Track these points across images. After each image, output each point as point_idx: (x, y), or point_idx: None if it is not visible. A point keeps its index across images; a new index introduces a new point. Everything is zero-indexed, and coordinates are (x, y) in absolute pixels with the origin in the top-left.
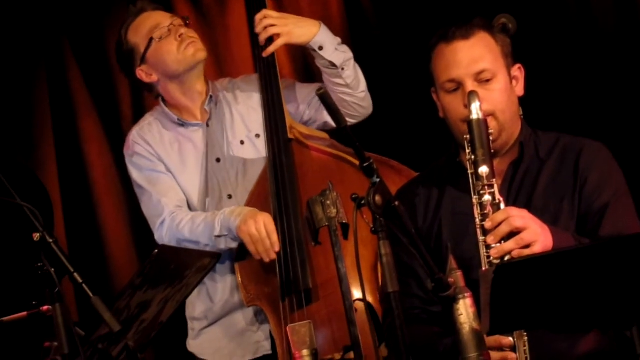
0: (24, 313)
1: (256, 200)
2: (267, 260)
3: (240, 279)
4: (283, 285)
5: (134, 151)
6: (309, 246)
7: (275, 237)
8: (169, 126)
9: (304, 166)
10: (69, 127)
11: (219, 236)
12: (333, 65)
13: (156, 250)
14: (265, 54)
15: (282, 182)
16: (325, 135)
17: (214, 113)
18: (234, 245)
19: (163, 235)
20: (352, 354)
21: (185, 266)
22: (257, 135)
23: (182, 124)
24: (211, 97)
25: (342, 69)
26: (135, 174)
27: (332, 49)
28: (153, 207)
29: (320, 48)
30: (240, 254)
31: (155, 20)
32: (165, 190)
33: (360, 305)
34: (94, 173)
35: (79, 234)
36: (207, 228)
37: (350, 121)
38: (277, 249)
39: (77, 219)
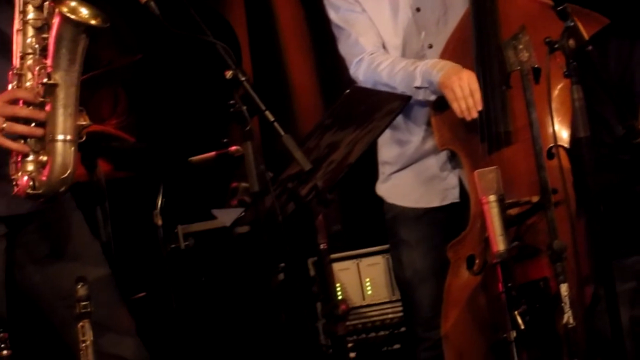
0: (213, 153)
1: (455, 45)
2: (468, 118)
3: (434, 122)
4: (483, 127)
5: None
6: (510, 90)
7: (478, 95)
8: None
9: (507, 11)
10: None
11: (418, 87)
12: None
13: (347, 91)
14: None
15: (484, 26)
16: None
17: None
18: (432, 97)
19: (360, 73)
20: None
21: (375, 108)
22: None
23: None
24: None
25: None
26: (332, 14)
27: None
28: (351, 45)
29: None
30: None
31: None
32: (364, 30)
33: (562, 150)
34: (281, 19)
35: (265, 77)
36: (407, 77)
37: None
38: (479, 107)
39: (264, 63)
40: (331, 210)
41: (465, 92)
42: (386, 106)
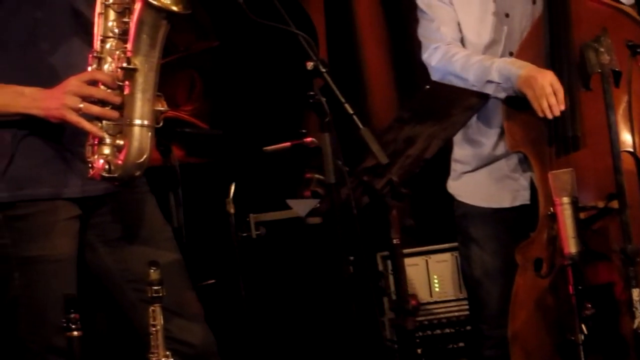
0: (288, 143)
1: (528, 46)
2: (549, 116)
3: (506, 125)
4: (551, 130)
5: None
6: (580, 93)
7: (561, 94)
8: None
9: (579, 13)
10: None
11: (490, 81)
12: None
13: (427, 86)
14: None
15: (556, 28)
16: None
17: None
18: (501, 95)
19: (433, 59)
20: (615, 203)
21: (453, 104)
22: None
23: None
24: None
25: None
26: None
27: None
28: (431, 31)
29: None
30: (509, 100)
31: None
32: (446, 21)
33: (627, 155)
34: (359, 11)
35: (340, 68)
36: (481, 70)
37: None
38: (563, 106)
39: (340, 54)
40: (404, 205)
41: (548, 90)
42: (465, 102)
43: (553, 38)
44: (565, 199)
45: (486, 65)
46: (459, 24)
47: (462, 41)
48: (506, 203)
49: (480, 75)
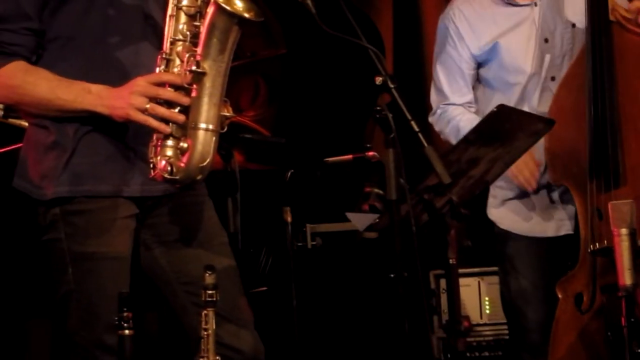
0: (350, 156)
1: (571, 82)
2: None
3: (548, 158)
4: (592, 166)
5: (445, 24)
6: (622, 129)
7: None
8: (494, 6)
9: (623, 49)
10: None
11: None
12: None
13: (495, 109)
14: None
15: (599, 62)
16: None
17: None
18: None
19: (436, 126)
20: None
21: (519, 128)
22: None
23: (511, 4)
24: None
25: None
26: (438, 40)
27: None
28: (432, 93)
29: None
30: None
31: None
32: (451, 74)
33: None
34: (427, 29)
35: (406, 85)
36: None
37: None
38: (534, 186)
39: (406, 70)
40: (462, 225)
41: (520, 166)
42: (531, 127)
43: (595, 70)
44: (624, 230)
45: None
46: (500, 53)
47: (505, 67)
48: (550, 232)
49: None
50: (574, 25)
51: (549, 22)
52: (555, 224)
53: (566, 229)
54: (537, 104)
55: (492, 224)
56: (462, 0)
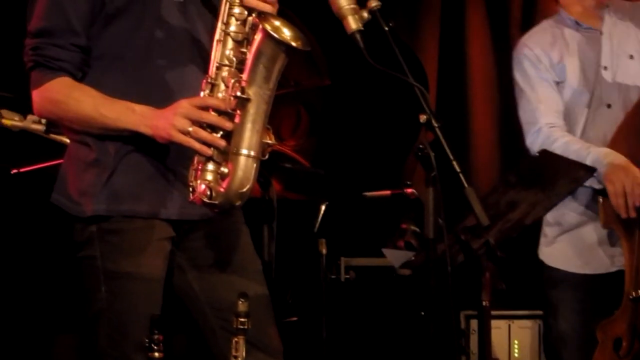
0: (388, 191)
1: (627, 131)
2: (624, 216)
3: (600, 202)
4: None
5: (522, 54)
6: None
7: (639, 197)
8: (564, 31)
9: None
10: (455, 17)
11: None
12: None
13: (537, 153)
14: None
15: None
16: None
17: (607, 20)
18: (596, 185)
19: (536, 144)
20: None
21: (560, 173)
22: None
23: (579, 28)
24: (607, 5)
25: None
26: (518, 76)
27: None
28: (529, 112)
29: None
30: None
31: None
32: (544, 98)
33: None
34: (472, 68)
35: (447, 121)
36: (578, 159)
37: None
38: (633, 213)
39: (448, 107)
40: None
41: (628, 189)
42: (572, 174)
43: None
44: None
45: (582, 154)
46: (559, 97)
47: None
48: (602, 269)
49: None
50: (631, 57)
51: (609, 48)
52: (608, 259)
53: (619, 263)
54: (589, 129)
55: (540, 267)
56: None
